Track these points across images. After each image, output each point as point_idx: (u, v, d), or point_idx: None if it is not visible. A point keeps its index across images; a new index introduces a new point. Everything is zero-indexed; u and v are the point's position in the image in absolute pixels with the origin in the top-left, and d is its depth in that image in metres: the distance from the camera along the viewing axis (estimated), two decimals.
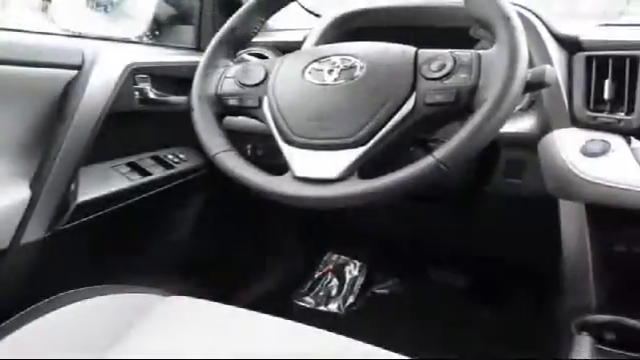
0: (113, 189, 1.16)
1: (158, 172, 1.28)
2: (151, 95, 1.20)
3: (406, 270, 1.70)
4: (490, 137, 0.76)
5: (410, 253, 1.62)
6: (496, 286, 1.61)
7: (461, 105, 0.77)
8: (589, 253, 1.06)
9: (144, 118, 1.23)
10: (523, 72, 0.75)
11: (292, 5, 0.96)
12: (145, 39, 1.37)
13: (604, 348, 0.98)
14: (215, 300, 0.86)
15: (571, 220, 1.05)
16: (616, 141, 0.93)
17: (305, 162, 0.81)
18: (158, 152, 1.33)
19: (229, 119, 0.94)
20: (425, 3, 1.08)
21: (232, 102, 0.90)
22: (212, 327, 0.81)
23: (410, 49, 0.82)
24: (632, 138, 0.93)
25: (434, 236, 1.39)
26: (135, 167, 1.25)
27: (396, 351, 0.75)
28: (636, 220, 0.97)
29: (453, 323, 1.52)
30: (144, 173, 1.25)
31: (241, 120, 0.92)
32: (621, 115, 0.93)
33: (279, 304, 1.69)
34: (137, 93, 1.18)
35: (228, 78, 0.91)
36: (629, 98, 0.92)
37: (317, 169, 0.79)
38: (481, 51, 0.79)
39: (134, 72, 1.15)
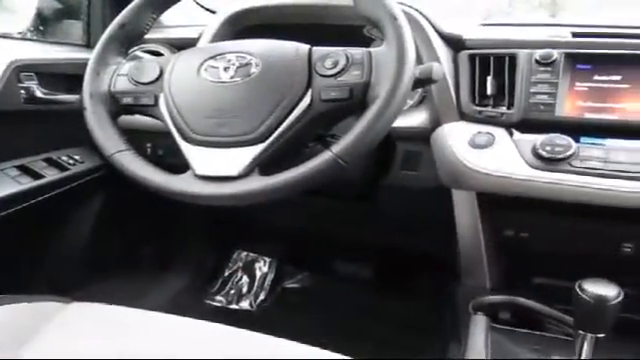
0: (0, 194, 1.09)
1: (52, 175, 1.22)
2: (38, 94, 1.14)
3: (315, 264, 1.73)
4: (384, 131, 0.79)
5: (318, 247, 1.65)
6: (400, 274, 1.67)
7: (355, 101, 0.79)
8: (482, 238, 1.13)
9: (33, 118, 1.17)
10: (411, 69, 0.78)
11: (186, 1, 0.94)
12: (29, 35, 1.29)
13: (498, 326, 1.05)
14: (122, 304, 0.83)
15: (464, 208, 1.11)
16: (500, 133, 1.00)
17: (205, 160, 0.80)
18: (52, 154, 1.26)
19: (125, 118, 0.91)
20: (316, 2, 1.10)
21: (126, 100, 0.87)
22: (117, 332, 0.78)
23: (304, 47, 0.83)
24: (514, 130, 1.00)
25: (340, 229, 1.43)
26: (25, 170, 1.18)
27: (308, 344, 0.76)
28: (521, 206, 1.05)
29: (361, 313, 1.56)
30: (36, 176, 1.19)
31: (138, 119, 0.89)
32: (503, 109, 1.00)
33: (190, 304, 1.66)
34: (23, 92, 1.11)
35: (121, 76, 0.88)
36: (509, 93, 0.99)
37: (217, 167, 0.79)
38: (372, 49, 0.82)
39: (18, 70, 1.09)
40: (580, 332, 0.84)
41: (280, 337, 0.77)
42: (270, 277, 1.75)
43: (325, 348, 0.75)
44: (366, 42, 0.88)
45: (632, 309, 1.09)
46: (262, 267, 1.77)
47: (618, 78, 0.95)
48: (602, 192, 0.92)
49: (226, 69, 0.83)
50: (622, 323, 0.89)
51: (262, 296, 1.73)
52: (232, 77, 0.82)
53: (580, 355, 0.85)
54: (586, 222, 1.04)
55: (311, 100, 0.80)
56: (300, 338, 0.77)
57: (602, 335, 0.83)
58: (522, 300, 1.09)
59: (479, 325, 1.01)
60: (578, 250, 1.06)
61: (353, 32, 0.96)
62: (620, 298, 0.79)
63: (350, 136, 0.77)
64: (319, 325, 1.51)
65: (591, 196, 0.93)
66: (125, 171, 0.84)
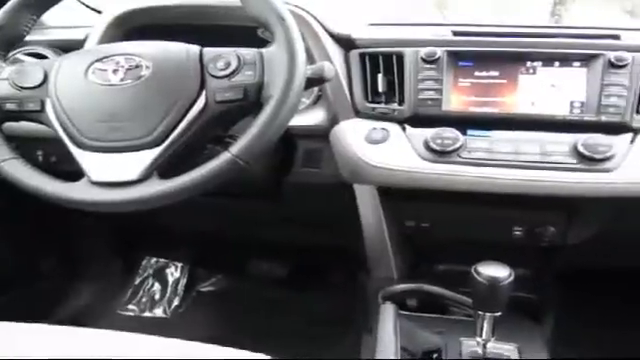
0: None
1: None
2: None
3: (228, 265, 1.72)
4: (280, 130, 0.81)
5: (231, 248, 1.64)
6: (313, 270, 1.70)
7: (250, 101, 0.80)
8: (385, 230, 1.17)
9: None
10: (302, 68, 0.80)
11: (69, 0, 0.91)
12: None
13: (406, 313, 1.09)
14: (26, 320, 0.79)
15: (366, 202, 1.14)
16: (394, 129, 1.04)
17: (101, 166, 0.79)
18: None
19: (12, 125, 0.87)
20: (204, 2, 1.09)
21: (10, 106, 0.84)
22: (23, 349, 0.75)
23: (194, 48, 0.83)
24: (406, 125, 1.04)
25: (250, 229, 1.43)
26: None
27: (226, 345, 0.76)
28: (419, 198, 1.09)
29: (277, 311, 1.57)
30: None
31: (26, 125, 0.86)
32: (395, 106, 1.04)
33: (101, 316, 1.60)
34: None
35: (1, 80, 0.84)
36: (399, 90, 1.03)
37: (114, 172, 0.78)
38: (263, 50, 0.83)
39: None
40: (479, 312, 0.89)
41: (197, 341, 0.77)
42: (183, 282, 1.72)
43: (243, 348, 0.76)
44: (263, 43, 0.89)
45: (524, 288, 1.18)
46: (174, 272, 1.74)
47: (497, 74, 1.01)
48: (488, 181, 0.98)
49: (115, 71, 0.82)
50: (517, 301, 0.97)
51: (176, 302, 1.69)
52: (122, 80, 0.81)
53: (481, 333, 0.90)
54: (480, 209, 1.10)
55: (206, 102, 0.80)
56: (217, 340, 0.77)
57: (499, 313, 0.88)
58: (427, 287, 1.14)
59: (388, 313, 1.04)
60: (475, 236, 1.12)
61: (249, 33, 0.96)
62: (511, 279, 0.85)
63: (247, 136, 0.78)
64: (236, 326, 1.51)
65: (479, 185, 0.99)
66: (14, 180, 0.81)
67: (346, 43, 1.07)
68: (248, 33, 0.96)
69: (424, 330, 1.05)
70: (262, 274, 1.69)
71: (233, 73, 0.80)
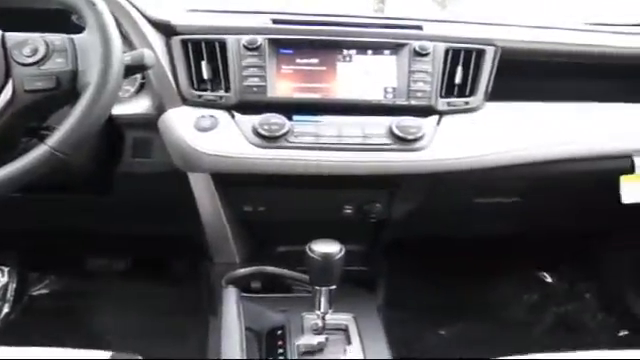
0: None
1: None
2: None
3: (64, 264, 1.62)
4: (100, 120, 0.78)
5: (65, 246, 1.54)
6: (156, 262, 1.66)
7: (65, 90, 0.77)
8: (223, 217, 1.18)
9: None
10: (119, 55, 0.78)
11: None
12: None
13: (249, 295, 1.12)
14: None
15: (202, 189, 1.14)
16: (222, 116, 1.04)
17: None
18: None
19: None
20: None
21: None
22: None
23: None
24: (235, 112, 1.05)
25: (84, 225, 1.35)
26: None
27: (66, 346, 0.72)
28: (253, 182, 1.11)
29: (121, 306, 1.52)
30: None
31: None
32: (222, 93, 1.04)
33: None
34: None
35: None
36: (225, 78, 1.04)
37: None
38: (74, 36, 0.80)
39: None
40: (316, 287, 0.94)
41: (32, 346, 0.73)
42: (12, 287, 1.59)
43: (90, 347, 0.73)
44: (77, 29, 0.85)
45: (358, 262, 1.27)
46: (0, 278, 1.60)
47: (316, 61, 1.06)
48: (315, 163, 1.03)
49: None
50: (352, 274, 1.03)
51: (6, 309, 1.56)
52: None
53: (319, 307, 0.95)
54: (312, 191, 1.15)
55: (13, 91, 0.76)
56: (56, 342, 0.73)
57: (334, 287, 0.94)
58: (268, 268, 1.18)
59: (230, 297, 1.06)
60: (309, 217, 1.17)
61: (62, 18, 0.91)
62: (342, 254, 0.91)
63: (65, 127, 0.75)
64: (75, 327, 1.43)
65: (306, 168, 1.03)
66: None
67: (166, 29, 1.05)
68: (65, 18, 0.91)
69: (268, 310, 1.09)
70: (101, 270, 1.62)
71: (42, 60, 0.77)
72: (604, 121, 1.17)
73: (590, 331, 1.63)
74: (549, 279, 1.76)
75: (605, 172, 1.16)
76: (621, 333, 1.61)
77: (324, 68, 1.06)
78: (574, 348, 0.82)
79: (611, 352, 0.84)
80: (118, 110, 1.03)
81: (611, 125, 1.17)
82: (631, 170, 1.15)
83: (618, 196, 1.16)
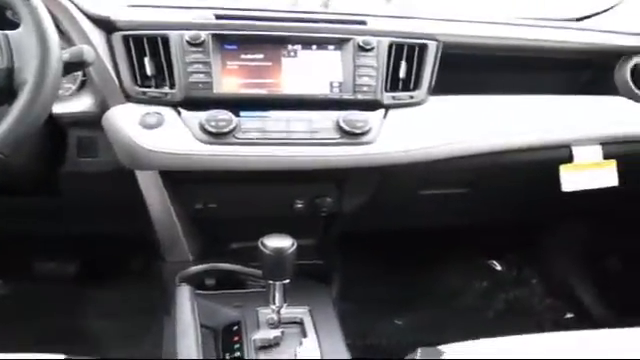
0: None
1: None
2: None
3: (9, 269, 1.57)
4: (39, 119, 0.77)
5: (9, 249, 1.50)
6: (107, 263, 1.63)
7: (1, 88, 0.75)
8: (174, 214, 1.17)
9: None
10: (56, 51, 0.76)
11: None
12: None
13: (203, 292, 1.11)
14: None
15: (150, 187, 1.12)
16: (168, 113, 1.03)
17: None
18: None
19: None
20: None
21: None
22: None
23: None
24: (180, 109, 1.04)
25: (31, 227, 1.31)
26: None
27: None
28: (202, 179, 1.11)
29: (72, 310, 1.49)
30: None
31: None
32: (166, 89, 1.03)
33: None
34: None
35: None
36: (169, 74, 1.02)
37: None
38: (8, 32, 0.78)
39: None
40: (270, 282, 0.94)
41: None
42: None
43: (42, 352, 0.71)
44: (13, 26, 0.82)
45: (312, 255, 1.28)
46: None
47: (261, 57, 1.06)
48: (263, 159, 1.03)
49: None
50: (306, 268, 1.04)
51: None
52: None
53: (274, 301, 0.95)
54: (262, 187, 1.15)
55: None
56: (6, 348, 0.71)
57: (287, 281, 0.94)
58: (221, 265, 1.17)
59: (184, 295, 1.05)
60: (260, 212, 1.17)
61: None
62: (294, 248, 0.92)
63: (2, 126, 0.73)
64: (25, 332, 1.39)
65: (254, 163, 1.03)
66: None
67: (106, 25, 1.03)
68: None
69: (223, 306, 1.09)
70: (51, 273, 1.58)
71: None
72: (544, 113, 1.21)
73: (537, 315, 1.70)
74: (498, 267, 1.82)
75: (546, 162, 1.20)
76: (567, 316, 1.68)
77: (269, 63, 1.06)
78: (522, 332, 0.85)
79: (557, 334, 0.87)
80: (59, 108, 1.00)
81: (550, 116, 1.21)
82: (570, 159, 1.19)
83: (559, 185, 1.20)
